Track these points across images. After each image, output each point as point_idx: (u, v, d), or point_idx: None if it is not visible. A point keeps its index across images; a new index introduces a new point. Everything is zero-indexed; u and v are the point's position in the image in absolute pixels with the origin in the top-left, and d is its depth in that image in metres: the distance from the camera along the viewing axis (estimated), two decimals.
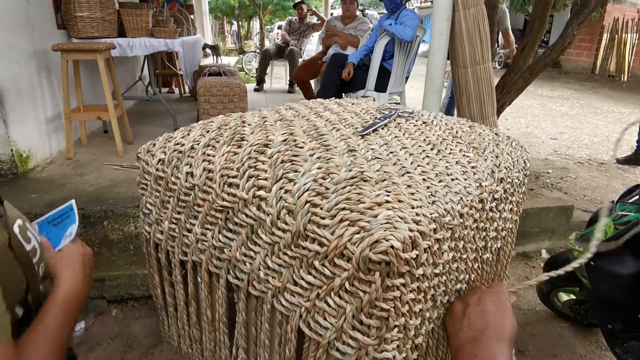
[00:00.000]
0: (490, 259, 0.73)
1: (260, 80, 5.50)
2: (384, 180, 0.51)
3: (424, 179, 0.54)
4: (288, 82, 5.71)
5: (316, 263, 0.48)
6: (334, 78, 3.10)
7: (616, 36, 9.54)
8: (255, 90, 5.41)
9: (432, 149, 0.64)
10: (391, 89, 3.13)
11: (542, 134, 5.03)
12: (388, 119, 0.68)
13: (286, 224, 0.50)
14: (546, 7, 3.18)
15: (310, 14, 5.43)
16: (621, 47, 9.44)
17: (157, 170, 0.70)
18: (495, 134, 0.79)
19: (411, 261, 0.44)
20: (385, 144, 0.62)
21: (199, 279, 0.70)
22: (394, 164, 0.55)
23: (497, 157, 0.71)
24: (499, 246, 0.75)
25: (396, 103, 3.96)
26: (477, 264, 0.67)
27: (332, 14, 6.29)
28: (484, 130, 0.79)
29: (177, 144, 0.70)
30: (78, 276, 0.69)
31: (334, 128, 0.65)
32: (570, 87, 8.79)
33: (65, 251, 0.73)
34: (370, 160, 0.55)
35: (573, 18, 3.10)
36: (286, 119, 0.70)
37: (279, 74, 6.45)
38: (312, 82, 4.23)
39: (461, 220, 0.56)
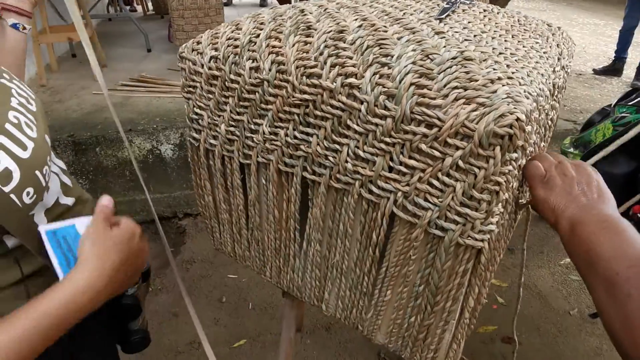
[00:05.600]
0: (544, 149, 0.75)
1: None
2: (485, 59, 0.49)
3: (516, 60, 0.53)
4: None
5: (422, 146, 0.48)
6: None
7: None
8: (225, 4, 5.02)
9: (506, 33, 0.62)
10: None
11: None
12: (456, 4, 0.65)
13: (386, 109, 0.49)
14: None
15: None
16: None
17: (209, 69, 0.66)
18: (548, 24, 0.77)
19: (526, 135, 0.44)
20: (464, 28, 0.59)
21: (263, 180, 0.70)
22: (485, 45, 0.54)
23: (557, 45, 0.70)
24: (550, 135, 0.77)
25: None
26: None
27: None
28: (538, 20, 0.77)
29: (230, 38, 0.65)
30: (107, 272, 0.54)
31: (405, 13, 0.62)
32: None
33: (107, 235, 0.57)
34: (463, 42, 0.53)
35: None
36: (348, 6, 0.65)
37: None
38: None
39: (544, 104, 0.56)
